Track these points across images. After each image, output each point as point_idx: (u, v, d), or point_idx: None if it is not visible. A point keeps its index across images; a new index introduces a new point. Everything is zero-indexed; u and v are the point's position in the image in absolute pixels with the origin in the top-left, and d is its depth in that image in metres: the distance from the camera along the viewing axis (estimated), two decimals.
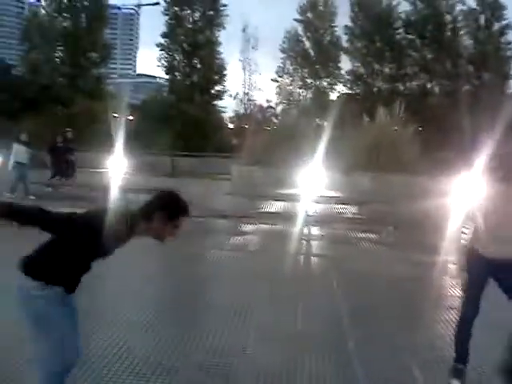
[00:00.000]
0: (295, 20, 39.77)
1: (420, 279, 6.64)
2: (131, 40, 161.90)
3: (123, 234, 2.81)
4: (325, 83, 39.80)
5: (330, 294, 5.83)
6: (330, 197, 14.70)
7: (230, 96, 39.93)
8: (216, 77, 39.16)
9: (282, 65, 40.13)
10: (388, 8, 37.51)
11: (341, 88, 39.74)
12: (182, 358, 3.89)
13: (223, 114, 41.00)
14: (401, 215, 11.31)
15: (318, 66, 39.19)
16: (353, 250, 8.72)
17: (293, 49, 39.73)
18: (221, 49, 39.64)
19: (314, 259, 7.99)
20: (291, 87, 39.62)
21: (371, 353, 4.13)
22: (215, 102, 39.89)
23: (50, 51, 36.23)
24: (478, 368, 3.83)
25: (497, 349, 3.57)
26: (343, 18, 41.97)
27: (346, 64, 39.27)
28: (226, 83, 39.93)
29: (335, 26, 39.64)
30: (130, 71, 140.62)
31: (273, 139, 21.43)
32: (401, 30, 37.74)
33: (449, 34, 36.61)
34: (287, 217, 11.27)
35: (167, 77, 39.62)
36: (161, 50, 38.85)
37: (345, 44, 39.03)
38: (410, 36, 37.55)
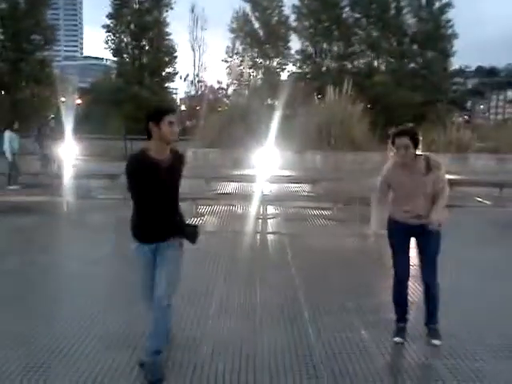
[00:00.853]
0: (243, 0, 39.70)
1: (367, 251, 7.13)
2: (75, 21, 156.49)
3: (148, 161, 3.37)
4: (275, 63, 40.09)
5: (285, 269, 6.18)
6: (284, 176, 15.07)
7: (181, 78, 39.63)
8: (166, 58, 38.70)
9: (231, 45, 40.10)
10: None
11: (291, 68, 40.16)
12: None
13: (175, 96, 40.65)
14: (351, 192, 11.82)
15: (267, 46, 39.36)
16: (306, 227, 9.12)
17: (242, 29, 39.68)
18: (169, 30, 39.18)
19: (269, 236, 8.33)
20: (241, 67, 39.69)
21: (323, 319, 4.52)
22: (166, 84, 39.47)
23: None
24: (418, 325, 4.27)
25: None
26: None
27: (295, 44, 39.64)
28: (176, 65, 39.57)
29: (283, 6, 39.89)
30: (76, 53, 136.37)
31: (226, 120, 21.60)
32: (347, 9, 38.35)
33: (393, 12, 37.48)
34: (243, 197, 11.57)
35: (115, 58, 38.82)
36: (107, 32, 37.97)
37: (293, 23, 39.35)
38: (356, 15, 38.22)
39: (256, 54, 39.66)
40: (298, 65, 39.54)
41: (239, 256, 6.77)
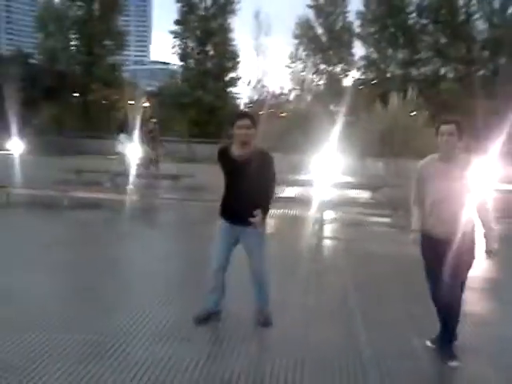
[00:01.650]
0: (307, 6, 39.78)
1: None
2: (145, 27, 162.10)
3: (227, 155, 4.16)
4: (338, 69, 39.80)
5: (339, 272, 6.22)
6: (344, 182, 14.99)
7: (244, 83, 40.10)
8: (229, 64, 39.28)
9: (294, 51, 40.19)
10: None
11: (354, 74, 39.76)
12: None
13: (238, 101, 41.18)
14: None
15: (330, 52, 39.18)
16: (364, 233, 9.07)
17: (305, 35, 39.72)
18: (234, 35, 39.77)
19: (327, 241, 8.36)
20: (304, 73, 39.71)
21: (374, 324, 4.52)
22: (229, 89, 40.10)
23: (65, 39, 36.65)
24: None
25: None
26: (355, 4, 41.73)
27: (359, 50, 39.25)
28: (239, 70, 40.10)
29: (347, 12, 39.58)
30: (144, 58, 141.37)
31: (287, 125, 21.75)
32: (414, 15, 37.52)
33: (462, 17, 36.29)
34: (302, 202, 11.63)
35: (181, 63, 39.83)
36: (174, 38, 39.07)
37: (357, 29, 38.97)
38: (423, 20, 37.32)
39: (319, 60, 39.57)
40: (362, 71, 39.09)
41: (295, 260, 6.85)
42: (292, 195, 13.38)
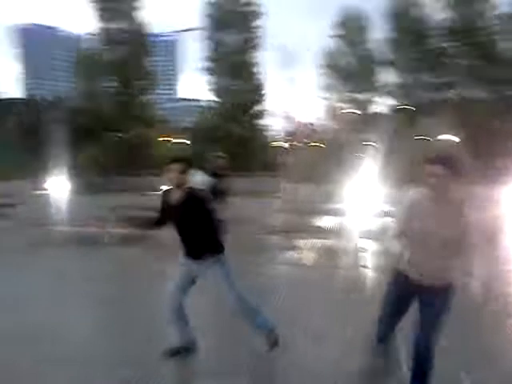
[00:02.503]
0: (331, 36, 40.28)
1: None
2: (172, 66, 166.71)
3: (167, 197, 4.46)
4: (366, 96, 39.84)
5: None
6: (383, 211, 14.84)
7: (273, 114, 40.50)
8: (257, 96, 39.93)
9: (322, 81, 40.54)
10: (424, 18, 37.35)
11: (384, 101, 39.71)
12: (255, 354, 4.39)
13: (268, 133, 41.57)
14: None
15: (358, 80, 39.33)
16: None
17: (332, 64, 40.11)
18: (261, 68, 40.51)
19: (365, 271, 8.29)
20: (333, 102, 39.90)
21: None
22: (258, 121, 40.60)
23: (99, 82, 38.11)
24: None
25: None
26: (380, 31, 41.95)
27: (386, 76, 39.24)
28: (268, 102, 40.64)
29: (372, 40, 39.82)
30: (173, 96, 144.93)
31: (319, 155, 21.83)
32: (441, 39, 37.42)
33: (490, 38, 36.00)
34: (338, 231, 11.56)
35: (209, 99, 40.68)
36: (202, 73, 40.08)
37: (384, 56, 39.07)
38: (452, 43, 37.14)
39: (348, 88, 39.75)
40: (392, 97, 38.99)
41: (333, 289, 6.82)
42: (328, 225, 13.33)
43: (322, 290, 6.77)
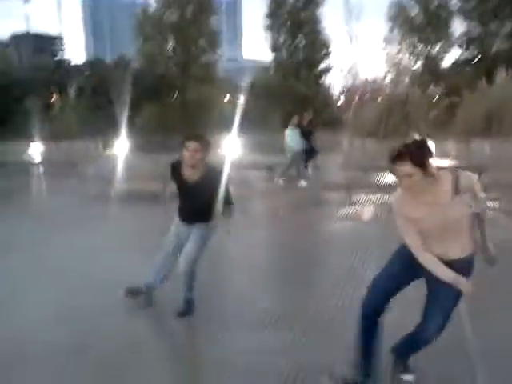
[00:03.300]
0: None
1: None
2: (235, 25, 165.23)
3: (178, 172, 4.35)
4: (436, 49, 37.72)
5: None
6: (447, 165, 14.18)
7: (337, 71, 39.36)
8: (321, 53, 38.84)
9: (389, 33, 38.68)
10: None
11: (455, 52, 37.47)
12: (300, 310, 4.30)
13: (331, 90, 40.56)
14: None
15: (427, 31, 37.21)
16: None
17: (400, 16, 38.07)
18: (324, 24, 39.22)
19: None
20: (400, 56, 38.11)
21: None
22: (322, 79, 39.61)
23: (162, 43, 38.33)
24: None
25: None
26: None
27: (458, 26, 36.83)
28: (330, 59, 39.51)
29: None
30: (237, 55, 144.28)
31: (384, 110, 21.02)
32: None
33: None
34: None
35: (272, 58, 39.98)
36: (265, 31, 39.35)
37: (456, 5, 36.58)
38: None
39: (416, 41, 37.73)
40: (464, 48, 36.67)
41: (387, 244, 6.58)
42: (391, 181, 12.92)
43: (376, 243, 6.58)
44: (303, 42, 38.96)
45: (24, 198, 12.62)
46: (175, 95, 35.47)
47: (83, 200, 11.32)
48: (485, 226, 3.11)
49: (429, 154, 2.91)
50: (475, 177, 2.95)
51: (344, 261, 6.05)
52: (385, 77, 37.44)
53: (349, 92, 35.78)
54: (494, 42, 35.32)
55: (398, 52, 38.22)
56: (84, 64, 42.99)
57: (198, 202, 4.22)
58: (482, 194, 2.93)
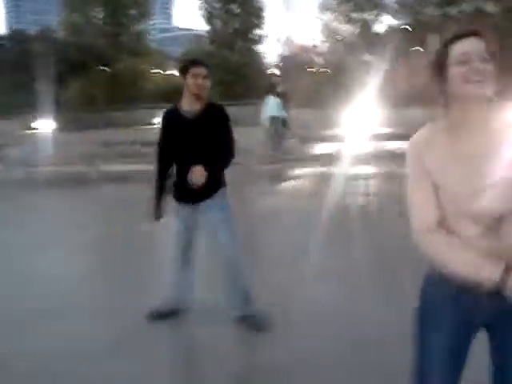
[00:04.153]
0: None
1: None
2: None
3: (176, 112, 3.45)
4: (370, 16, 37.83)
5: (375, 230, 5.80)
6: (383, 133, 14.10)
7: (272, 39, 38.83)
8: (255, 21, 38.17)
9: (324, 1, 38.38)
10: None
11: (388, 20, 37.75)
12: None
13: (266, 59, 40.10)
14: None
15: None
16: (404, 187, 8.31)
17: None
18: None
19: (362, 198, 7.77)
20: (335, 23, 37.95)
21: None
22: (256, 47, 39.04)
23: (89, 12, 36.40)
24: None
25: None
26: None
27: None
28: (265, 27, 39.02)
29: None
30: (168, 25, 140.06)
31: (319, 79, 20.76)
32: None
33: None
34: (338, 157, 10.95)
35: (206, 27, 38.94)
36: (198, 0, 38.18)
37: None
38: None
39: (350, 8, 37.63)
40: (397, 16, 36.93)
41: (326, 217, 6.21)
42: (328, 151, 12.66)
43: (311, 218, 6.19)
44: (238, 10, 38.08)
45: None
46: (104, 68, 33.86)
47: (5, 187, 10.31)
48: None
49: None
50: None
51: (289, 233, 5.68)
52: (320, 45, 37.33)
53: (284, 61, 35.42)
54: (425, 9, 35.79)
55: (334, 20, 38.06)
56: (3, 36, 40.21)
57: (201, 147, 3.33)
58: None
